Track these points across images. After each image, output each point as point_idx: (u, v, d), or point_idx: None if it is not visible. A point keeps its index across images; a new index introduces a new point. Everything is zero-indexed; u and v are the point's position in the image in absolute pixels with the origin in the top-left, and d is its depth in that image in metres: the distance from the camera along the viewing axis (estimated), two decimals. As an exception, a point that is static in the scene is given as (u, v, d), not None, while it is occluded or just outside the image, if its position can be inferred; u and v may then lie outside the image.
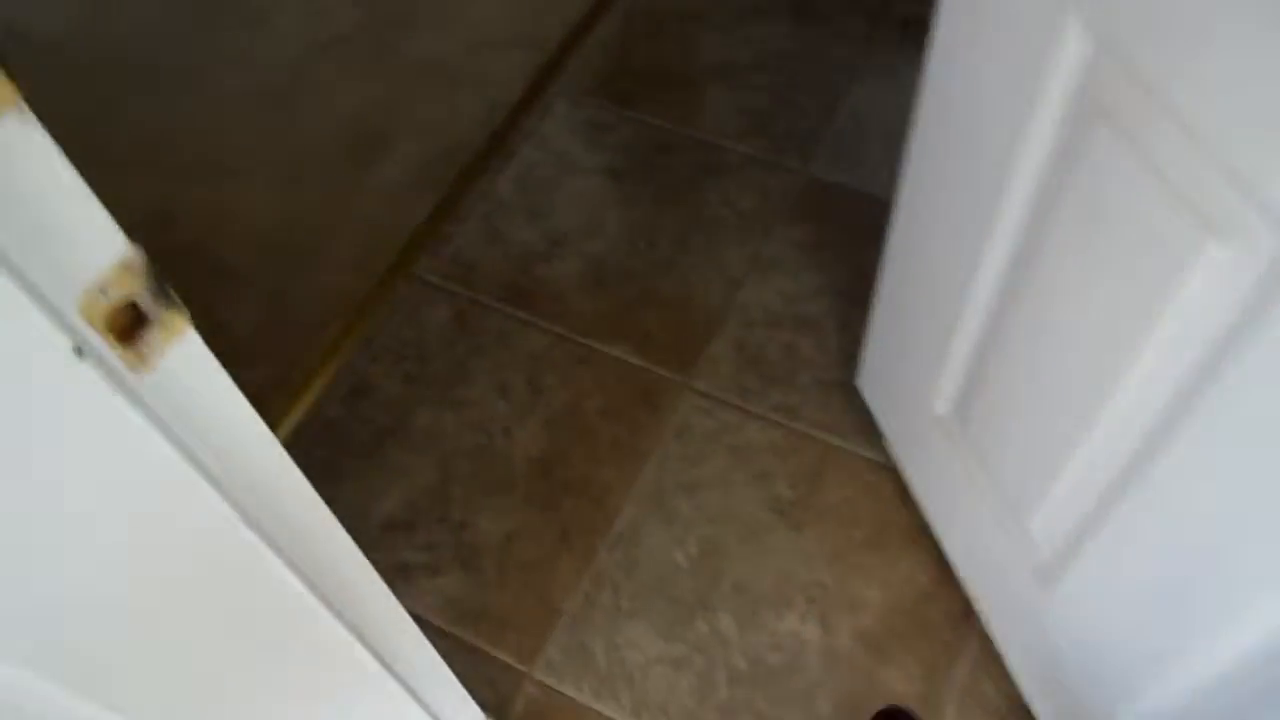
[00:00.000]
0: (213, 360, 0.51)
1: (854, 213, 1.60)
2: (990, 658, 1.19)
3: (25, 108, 0.37)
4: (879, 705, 1.14)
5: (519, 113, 1.75)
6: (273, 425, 1.39)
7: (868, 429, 1.37)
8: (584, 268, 1.56)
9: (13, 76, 0.36)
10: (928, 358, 1.09)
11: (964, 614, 1.23)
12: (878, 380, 1.32)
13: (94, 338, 0.42)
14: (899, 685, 1.20)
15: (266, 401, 1.42)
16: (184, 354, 0.48)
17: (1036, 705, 1.13)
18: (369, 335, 1.50)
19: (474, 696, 1.02)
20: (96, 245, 0.42)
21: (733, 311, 1.51)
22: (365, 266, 1.57)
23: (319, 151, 1.71)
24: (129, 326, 0.44)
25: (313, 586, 0.64)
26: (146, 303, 0.44)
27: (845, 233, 1.58)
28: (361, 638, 0.72)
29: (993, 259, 0.91)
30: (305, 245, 1.59)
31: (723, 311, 1.51)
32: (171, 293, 0.46)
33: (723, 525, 1.32)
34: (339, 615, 0.68)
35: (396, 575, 1.29)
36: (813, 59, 1.81)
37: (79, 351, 0.40)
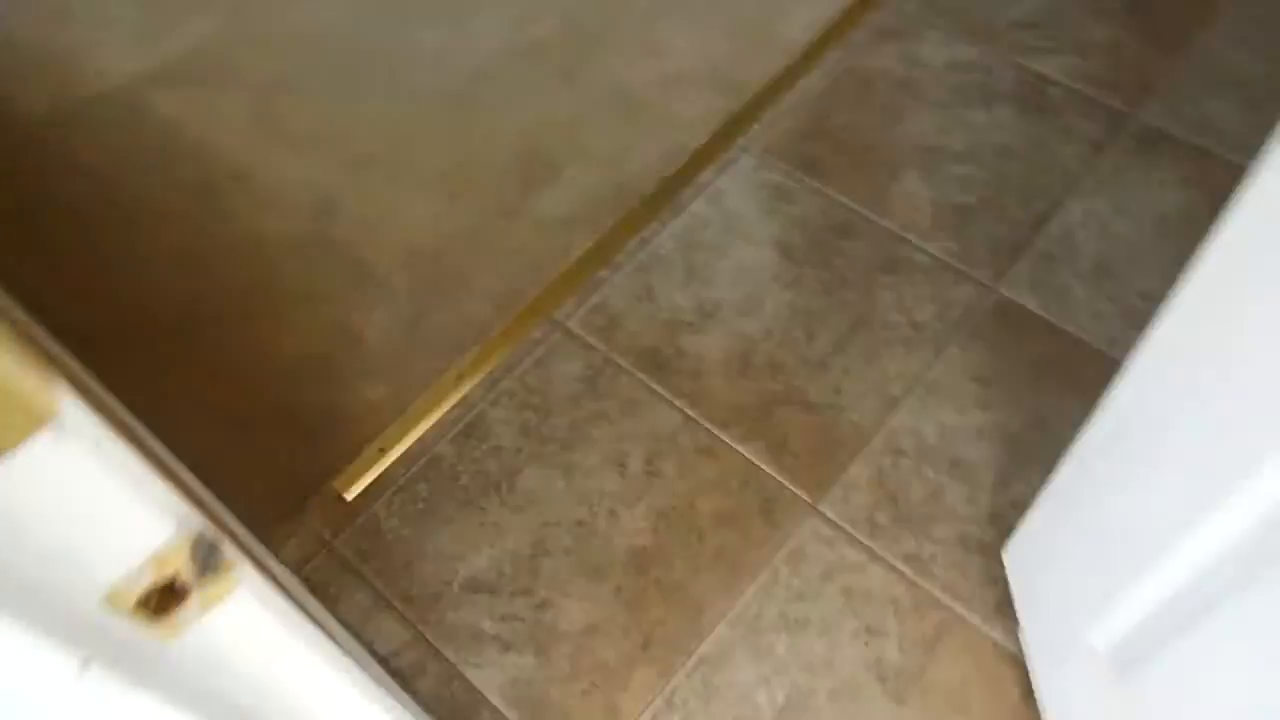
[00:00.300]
0: (258, 610, 0.44)
1: (1042, 349, 1.43)
2: None
3: (65, 425, 0.30)
4: None
5: (699, 162, 1.65)
6: (381, 449, 1.36)
7: (1004, 609, 1.22)
8: (732, 348, 1.45)
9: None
10: (1100, 583, 0.94)
11: None
12: (1028, 563, 1.17)
13: (118, 625, 0.35)
14: None
15: (380, 423, 1.38)
16: (226, 615, 0.41)
17: None
18: (496, 374, 1.44)
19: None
20: (135, 541, 0.35)
21: (881, 435, 1.37)
22: (507, 300, 1.50)
23: (487, 165, 1.65)
24: (165, 601, 0.37)
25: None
26: (189, 575, 0.37)
27: (1027, 371, 1.41)
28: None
29: (1233, 524, 0.75)
30: (452, 266, 1.54)
31: (870, 432, 1.37)
32: (221, 556, 0.39)
33: (818, 676, 1.20)
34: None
35: (469, 641, 1.23)
36: (1031, 158, 1.63)
37: (85, 663, 0.33)
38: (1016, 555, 1.20)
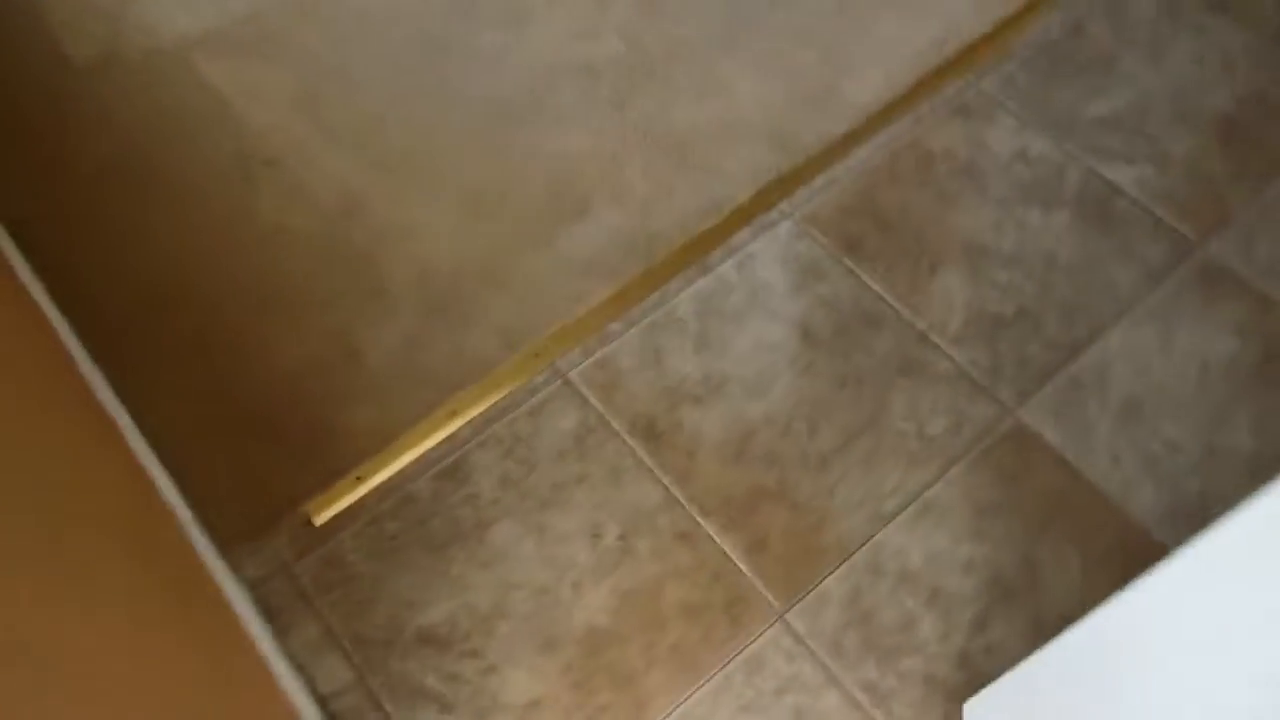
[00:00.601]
0: None
1: (1052, 486, 1.36)
2: None
3: None
4: None
5: (736, 221, 1.59)
6: (359, 478, 1.34)
7: (956, 764, 1.18)
8: (731, 429, 1.41)
9: None
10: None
11: None
12: (987, 729, 1.12)
13: None
14: None
15: (363, 449, 1.37)
16: None
17: None
18: (488, 416, 1.41)
19: None
20: None
21: (866, 550, 1.32)
22: (513, 338, 1.47)
23: (520, 188, 1.61)
24: None
25: None
26: None
27: (1032, 507, 1.35)
28: None
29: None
30: (465, 292, 1.51)
31: (855, 545, 1.32)
32: None
33: (752, 796, 1.18)
34: None
35: (410, 695, 1.22)
36: (1082, 274, 1.54)
37: None
38: (978, 713, 1.15)
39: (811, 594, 1.29)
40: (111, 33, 1.78)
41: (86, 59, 1.74)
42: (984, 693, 1.14)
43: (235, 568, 1.28)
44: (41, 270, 1.51)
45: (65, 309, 1.48)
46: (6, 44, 1.76)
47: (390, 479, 1.36)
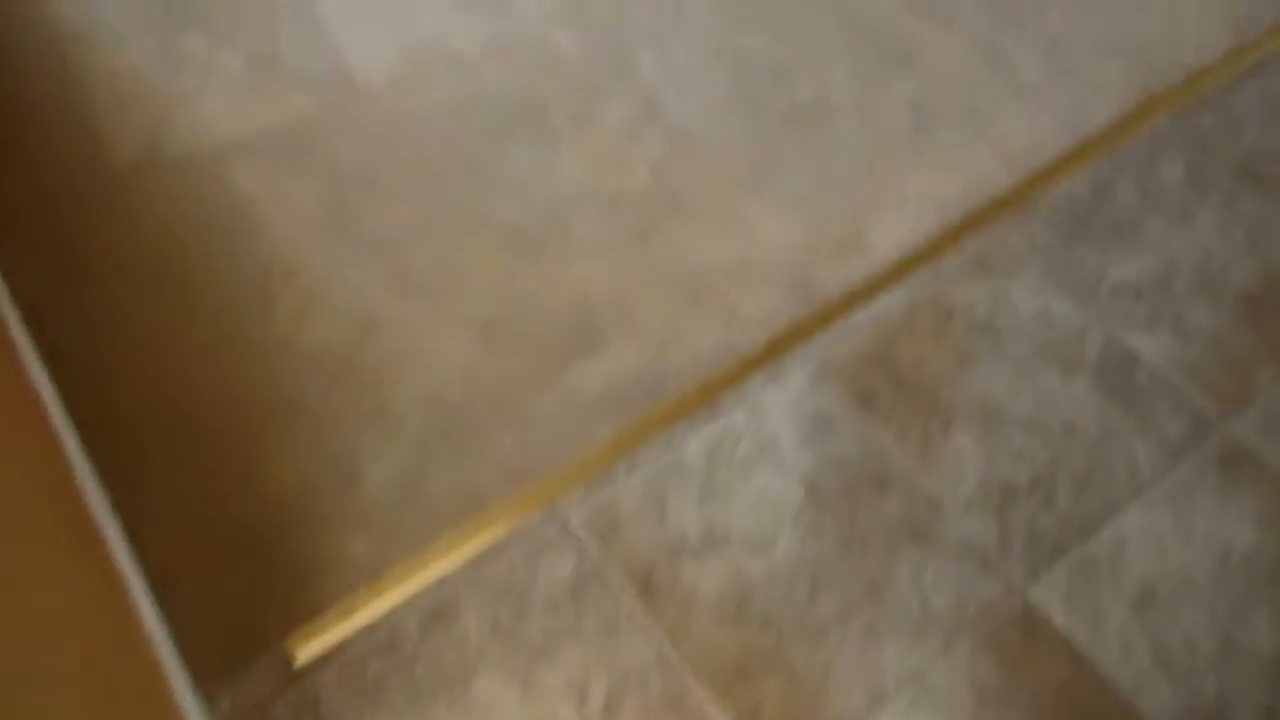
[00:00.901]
0: None
1: (1058, 676, 1.31)
2: None
3: None
4: None
5: (749, 366, 1.57)
6: (346, 612, 1.31)
7: None
8: (729, 587, 1.37)
9: None
10: None
11: None
12: None
13: None
14: None
15: (352, 582, 1.34)
16: None
17: None
18: (483, 557, 1.39)
19: None
20: None
21: (860, 732, 1.27)
22: (515, 476, 1.45)
23: (535, 318, 1.61)
24: None
25: None
26: None
27: (1035, 696, 1.30)
28: None
29: None
30: (470, 423, 1.49)
31: (849, 725, 1.27)
32: None
33: None
34: None
35: None
36: (1099, 446, 1.51)
37: None
38: None
39: (801, 775, 1.24)
40: (155, 134, 1.82)
41: (126, 159, 1.78)
42: None
43: (210, 697, 1.25)
44: (51, 361, 1.52)
45: (69, 403, 1.48)
46: (53, 138, 1.80)
47: (378, 619, 1.33)
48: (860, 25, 2.04)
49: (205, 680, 1.27)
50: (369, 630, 1.32)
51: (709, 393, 1.54)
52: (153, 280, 1.62)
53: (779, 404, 1.54)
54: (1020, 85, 1.95)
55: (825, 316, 1.64)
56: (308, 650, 1.30)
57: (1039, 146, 1.86)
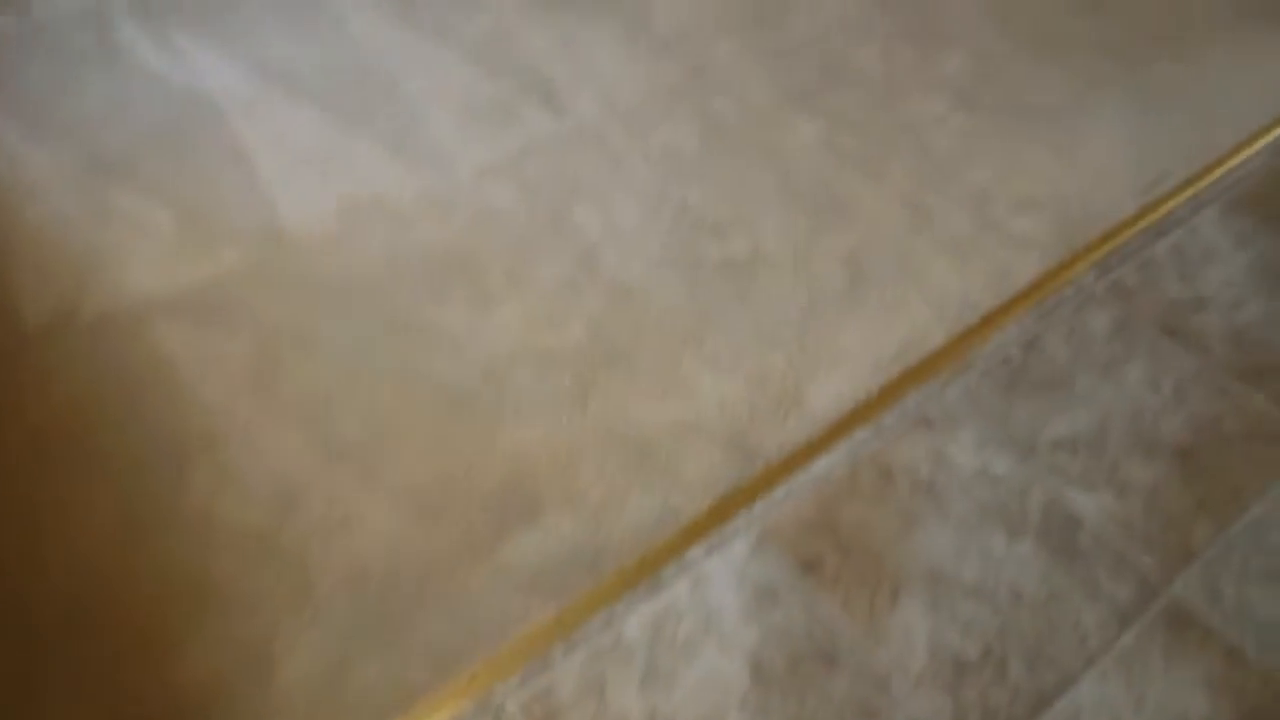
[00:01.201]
0: None
1: None
2: None
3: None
4: None
5: (691, 535, 1.53)
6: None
7: None
8: (673, 783, 1.29)
9: None
10: None
11: None
12: None
13: None
14: None
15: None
16: None
17: None
18: (408, 757, 1.29)
19: None
20: None
21: None
22: (446, 662, 1.36)
23: (468, 486, 1.55)
24: None
25: None
26: None
27: None
28: None
29: None
30: (399, 603, 1.41)
31: None
32: None
33: None
34: None
35: None
36: (1048, 613, 1.48)
37: None
38: None
39: None
40: (72, 293, 1.76)
41: (39, 321, 1.71)
42: None
43: None
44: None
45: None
46: (-41, 296, 1.73)
47: (290, 832, 1.22)
48: (794, 180, 2.09)
49: None
50: None
51: (650, 565, 1.49)
52: (58, 454, 1.53)
53: (722, 575, 1.49)
54: (949, 239, 2.00)
55: (767, 479, 1.61)
56: None
57: (970, 300, 1.89)
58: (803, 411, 1.70)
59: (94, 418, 1.60)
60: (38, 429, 1.56)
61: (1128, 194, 2.13)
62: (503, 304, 1.81)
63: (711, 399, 1.70)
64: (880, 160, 2.15)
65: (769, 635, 1.43)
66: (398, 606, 1.41)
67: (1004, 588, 1.51)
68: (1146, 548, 1.57)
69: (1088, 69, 2.44)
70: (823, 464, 1.64)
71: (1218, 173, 2.21)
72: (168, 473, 1.54)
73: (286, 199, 1.96)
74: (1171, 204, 2.13)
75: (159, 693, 1.31)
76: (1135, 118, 2.31)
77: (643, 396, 1.69)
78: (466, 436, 1.61)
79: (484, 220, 1.95)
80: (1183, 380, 1.81)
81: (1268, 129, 2.34)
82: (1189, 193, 2.16)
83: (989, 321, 1.87)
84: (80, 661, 1.33)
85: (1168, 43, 2.56)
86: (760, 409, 1.69)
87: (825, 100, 2.29)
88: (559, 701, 1.35)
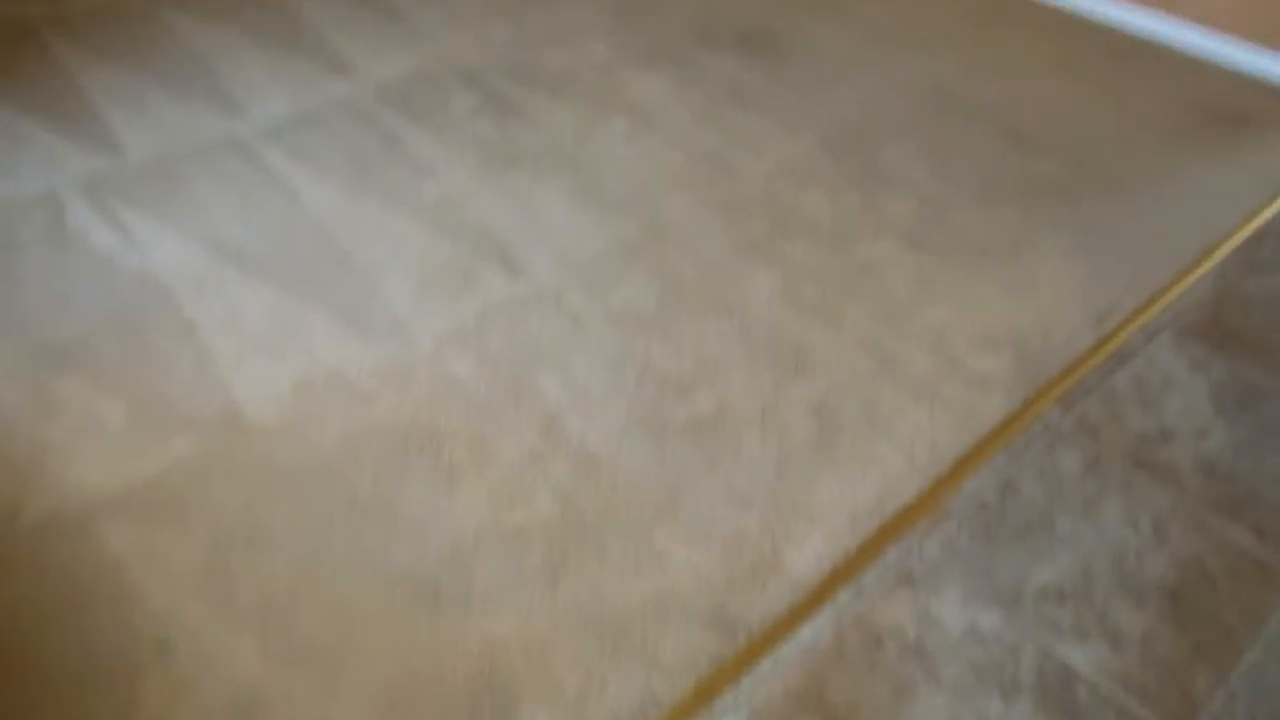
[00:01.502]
0: None
1: None
2: None
3: None
4: None
5: (675, 719, 1.45)
6: None
7: None
8: None
9: None
10: None
11: None
12: None
13: None
14: None
15: None
16: None
17: None
18: None
19: None
20: None
21: None
22: None
23: (435, 685, 1.46)
24: None
25: None
26: None
27: None
28: None
29: None
30: (367, 830, 1.30)
31: None
32: None
33: None
34: None
35: None
36: (1054, 783, 1.40)
37: None
38: None
39: None
40: (14, 495, 1.68)
41: (-25, 529, 1.62)
42: None
43: None
44: None
45: None
46: (-109, 507, 1.64)
47: None
48: (754, 331, 2.09)
49: None
50: None
51: (634, 761, 1.40)
52: (2, 660, 1.43)
53: (711, 766, 1.41)
54: (913, 383, 2.00)
55: (751, 653, 1.54)
56: None
57: (940, 446, 1.88)
58: (782, 577, 1.65)
59: (38, 627, 1.50)
60: (-29, 653, 1.46)
61: (1083, 326, 2.17)
62: (466, 481, 1.75)
63: (686, 571, 1.64)
64: (838, 306, 2.18)
65: (766, 834, 1.34)
66: (364, 832, 1.30)
67: (1006, 758, 1.44)
68: (1146, 703, 1.52)
69: (1026, 206, 2.53)
70: (807, 632, 1.58)
71: (1165, 299, 2.27)
72: (118, 686, 1.44)
73: (240, 381, 1.91)
74: (1125, 334, 2.16)
75: None
76: (1078, 252, 2.37)
77: (615, 573, 1.63)
78: (434, 630, 1.53)
79: (444, 391, 1.92)
80: (1160, 517, 1.79)
81: (1207, 254, 2.41)
82: (1140, 321, 2.20)
83: (961, 466, 1.85)
84: None
85: (1100, 176, 2.67)
86: (738, 578, 1.64)
87: (778, 249, 2.33)
88: None
